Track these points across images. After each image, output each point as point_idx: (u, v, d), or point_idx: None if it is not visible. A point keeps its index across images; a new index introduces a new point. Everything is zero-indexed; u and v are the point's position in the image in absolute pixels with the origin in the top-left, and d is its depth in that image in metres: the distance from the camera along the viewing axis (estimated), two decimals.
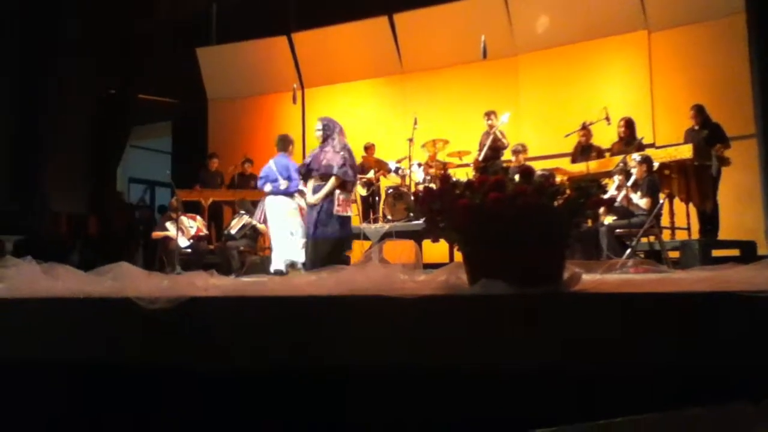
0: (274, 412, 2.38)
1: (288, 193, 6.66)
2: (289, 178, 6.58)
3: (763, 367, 1.85)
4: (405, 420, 2.20)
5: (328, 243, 5.87)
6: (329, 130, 6.02)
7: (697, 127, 6.97)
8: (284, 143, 6.85)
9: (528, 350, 2.07)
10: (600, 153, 7.41)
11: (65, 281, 2.94)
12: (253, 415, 2.41)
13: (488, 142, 7.84)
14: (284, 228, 6.61)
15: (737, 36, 7.16)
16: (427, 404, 2.18)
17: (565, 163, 7.65)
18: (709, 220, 6.71)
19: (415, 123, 8.08)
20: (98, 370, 2.57)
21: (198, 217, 8.70)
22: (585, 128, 7.46)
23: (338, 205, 5.90)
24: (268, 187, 6.71)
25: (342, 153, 5.92)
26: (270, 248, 8.62)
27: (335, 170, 5.84)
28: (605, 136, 7.53)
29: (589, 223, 5.89)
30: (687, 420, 1.80)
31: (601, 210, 6.05)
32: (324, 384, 2.31)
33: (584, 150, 7.53)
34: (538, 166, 7.12)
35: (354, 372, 2.25)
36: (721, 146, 6.73)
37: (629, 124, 7.24)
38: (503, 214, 2.23)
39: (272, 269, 6.48)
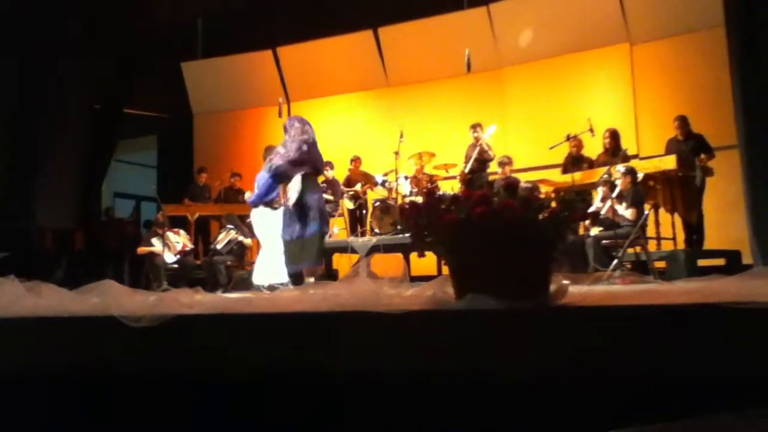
0: (257, 428, 2.37)
1: (269, 204, 6.31)
2: (259, 188, 6.10)
3: (747, 377, 1.86)
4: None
5: (299, 243, 5.60)
6: (287, 126, 5.76)
7: (681, 138, 7.02)
8: (266, 153, 6.37)
9: (515, 364, 2.07)
10: (591, 164, 7.43)
11: (49, 300, 2.91)
12: (236, 429, 2.39)
13: (474, 155, 7.83)
14: (265, 241, 6.40)
15: (718, 47, 7.24)
16: (415, 416, 2.17)
17: (550, 175, 7.69)
18: (695, 231, 6.76)
19: (401, 136, 8.07)
20: (80, 385, 2.55)
21: (182, 232, 8.60)
22: (569, 140, 7.48)
23: (286, 198, 5.62)
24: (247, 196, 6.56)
25: (278, 148, 5.70)
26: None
27: (272, 166, 5.64)
28: (590, 148, 7.58)
29: (576, 234, 5.91)
30: None
31: (587, 221, 6.08)
32: (310, 400, 2.29)
33: (575, 161, 7.53)
34: (524, 178, 7.17)
35: (341, 387, 2.24)
36: (706, 156, 6.79)
37: (614, 136, 7.29)
38: (489, 227, 2.23)
39: (253, 282, 6.19)
